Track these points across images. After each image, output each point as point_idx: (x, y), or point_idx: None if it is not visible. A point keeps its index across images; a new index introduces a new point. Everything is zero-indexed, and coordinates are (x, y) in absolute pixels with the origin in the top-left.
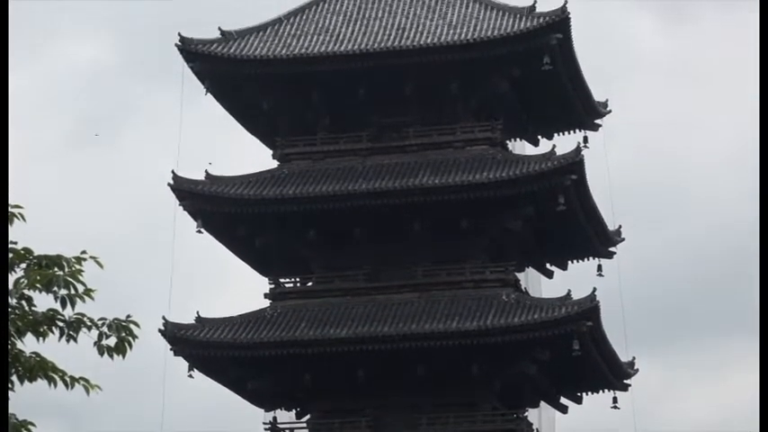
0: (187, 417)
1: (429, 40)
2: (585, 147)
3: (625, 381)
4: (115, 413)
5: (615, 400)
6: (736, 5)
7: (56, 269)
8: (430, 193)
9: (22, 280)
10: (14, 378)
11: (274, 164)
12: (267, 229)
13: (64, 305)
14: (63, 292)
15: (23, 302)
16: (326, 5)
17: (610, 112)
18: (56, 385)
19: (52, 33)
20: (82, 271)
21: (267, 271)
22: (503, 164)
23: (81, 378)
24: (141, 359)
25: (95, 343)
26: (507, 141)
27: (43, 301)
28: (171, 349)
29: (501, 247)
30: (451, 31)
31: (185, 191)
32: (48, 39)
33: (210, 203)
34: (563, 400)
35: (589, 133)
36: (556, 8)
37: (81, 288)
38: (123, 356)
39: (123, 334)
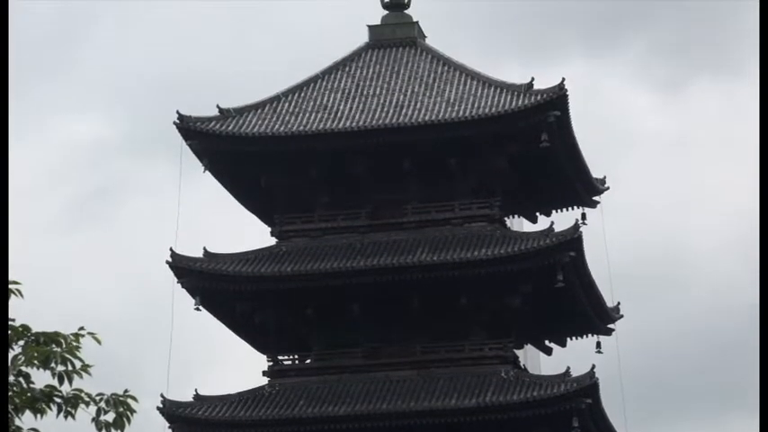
0: None
1: (427, 118)
2: (584, 224)
3: None
4: None
5: None
6: (734, 81)
7: (53, 345)
8: (428, 271)
9: (19, 357)
10: None
11: (273, 241)
12: (265, 306)
13: (61, 381)
14: (60, 368)
15: (21, 379)
16: (324, 83)
17: (608, 188)
18: None
19: (51, 108)
20: (79, 347)
21: (265, 348)
22: (501, 241)
23: None
24: None
25: (93, 419)
26: (506, 218)
27: (41, 378)
28: (169, 427)
29: (500, 324)
30: (449, 109)
31: (184, 268)
32: (46, 113)
33: (209, 281)
34: None
35: (587, 210)
36: (553, 85)
37: (78, 364)
38: None
39: (121, 409)
